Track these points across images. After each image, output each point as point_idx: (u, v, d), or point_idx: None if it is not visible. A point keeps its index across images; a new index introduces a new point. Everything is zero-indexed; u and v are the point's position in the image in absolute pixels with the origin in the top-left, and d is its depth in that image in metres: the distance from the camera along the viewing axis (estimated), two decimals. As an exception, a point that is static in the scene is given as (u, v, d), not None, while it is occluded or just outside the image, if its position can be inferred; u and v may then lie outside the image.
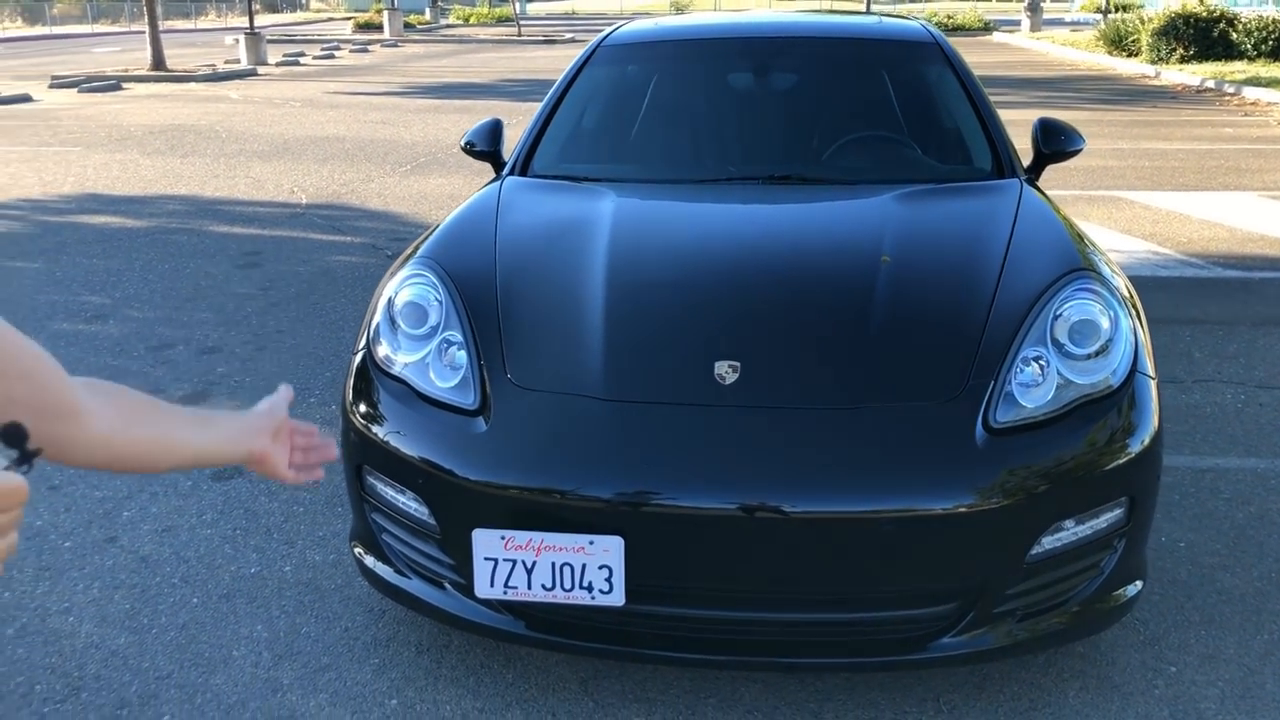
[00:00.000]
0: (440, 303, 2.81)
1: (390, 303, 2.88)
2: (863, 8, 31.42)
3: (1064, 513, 2.45)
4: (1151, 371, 2.70)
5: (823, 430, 2.46)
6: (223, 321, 5.80)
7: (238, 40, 26.05)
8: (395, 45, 33.69)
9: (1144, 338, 2.75)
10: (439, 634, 2.95)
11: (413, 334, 2.79)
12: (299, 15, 62.11)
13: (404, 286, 2.90)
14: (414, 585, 2.66)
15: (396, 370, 2.74)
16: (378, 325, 2.87)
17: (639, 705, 2.68)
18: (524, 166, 3.84)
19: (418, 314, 2.82)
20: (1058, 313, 2.66)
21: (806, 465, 2.39)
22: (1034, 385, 2.54)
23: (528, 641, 2.55)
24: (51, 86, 19.79)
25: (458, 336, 2.71)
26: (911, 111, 4.05)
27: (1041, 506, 2.42)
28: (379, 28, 40.21)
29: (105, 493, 3.81)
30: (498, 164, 4.05)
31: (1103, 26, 24.87)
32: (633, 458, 2.43)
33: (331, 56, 28.21)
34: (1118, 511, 2.53)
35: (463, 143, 4.15)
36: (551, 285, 2.88)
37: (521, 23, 43.74)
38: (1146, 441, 2.55)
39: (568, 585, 2.37)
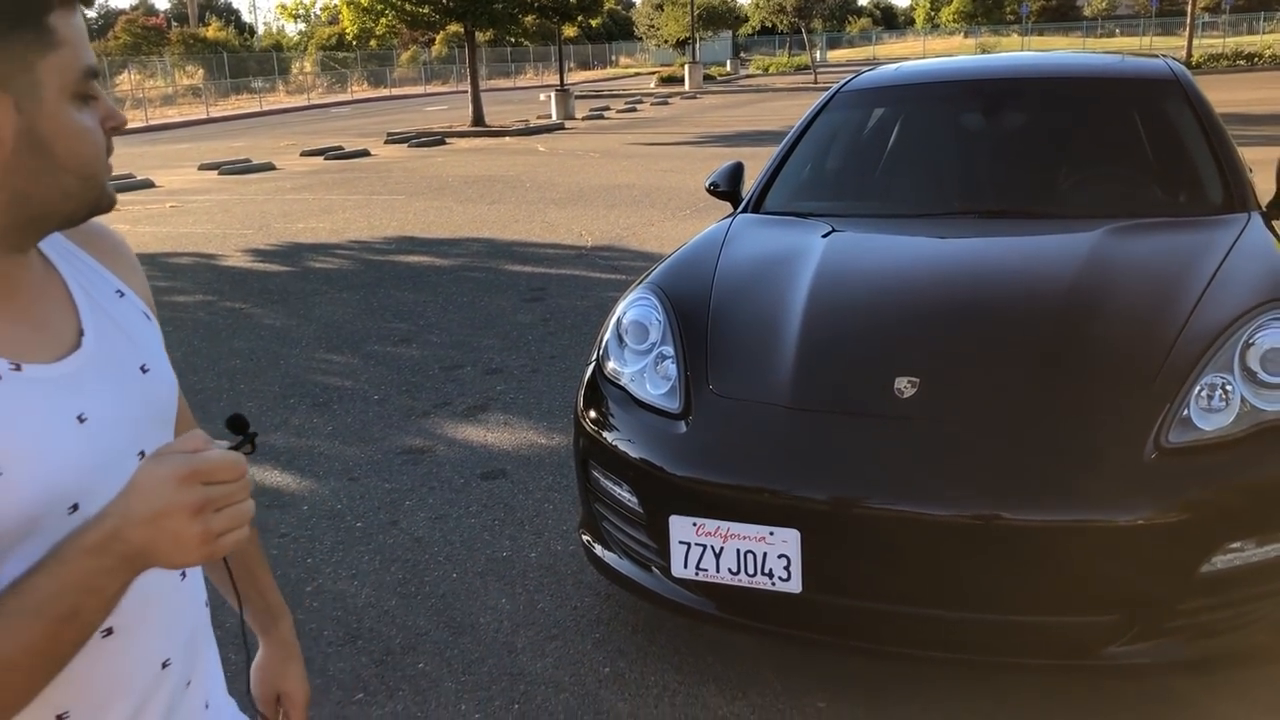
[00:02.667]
0: (660, 322, 3.19)
1: (619, 321, 3.30)
2: (1183, 46, 29.59)
3: (1239, 534, 2.49)
4: None
5: (991, 442, 2.63)
6: (506, 347, 6.49)
7: (549, 97, 28.07)
8: (694, 97, 35.08)
9: None
10: (653, 616, 3.31)
11: (636, 349, 3.19)
12: (608, 71, 65.70)
13: (631, 308, 3.32)
14: (626, 566, 3.03)
15: (622, 381, 3.14)
16: (607, 342, 3.29)
17: (823, 693, 2.92)
18: (757, 204, 4.18)
19: (640, 331, 3.22)
20: (1250, 340, 2.69)
21: (970, 474, 2.57)
22: (1215, 411, 2.59)
23: (717, 620, 2.86)
24: (386, 142, 22.17)
25: (670, 351, 3.09)
26: (1142, 147, 4.06)
27: (1213, 525, 2.48)
28: (681, 80, 41.94)
29: (393, 484, 4.46)
30: (737, 203, 4.41)
31: None
32: (809, 460, 2.70)
33: (633, 110, 29.79)
34: (1305, 537, 2.54)
35: (707, 184, 4.54)
36: (757, 306, 3.20)
37: (819, 70, 44.26)
38: (1339, 470, 2.54)
39: (751, 571, 2.66)
